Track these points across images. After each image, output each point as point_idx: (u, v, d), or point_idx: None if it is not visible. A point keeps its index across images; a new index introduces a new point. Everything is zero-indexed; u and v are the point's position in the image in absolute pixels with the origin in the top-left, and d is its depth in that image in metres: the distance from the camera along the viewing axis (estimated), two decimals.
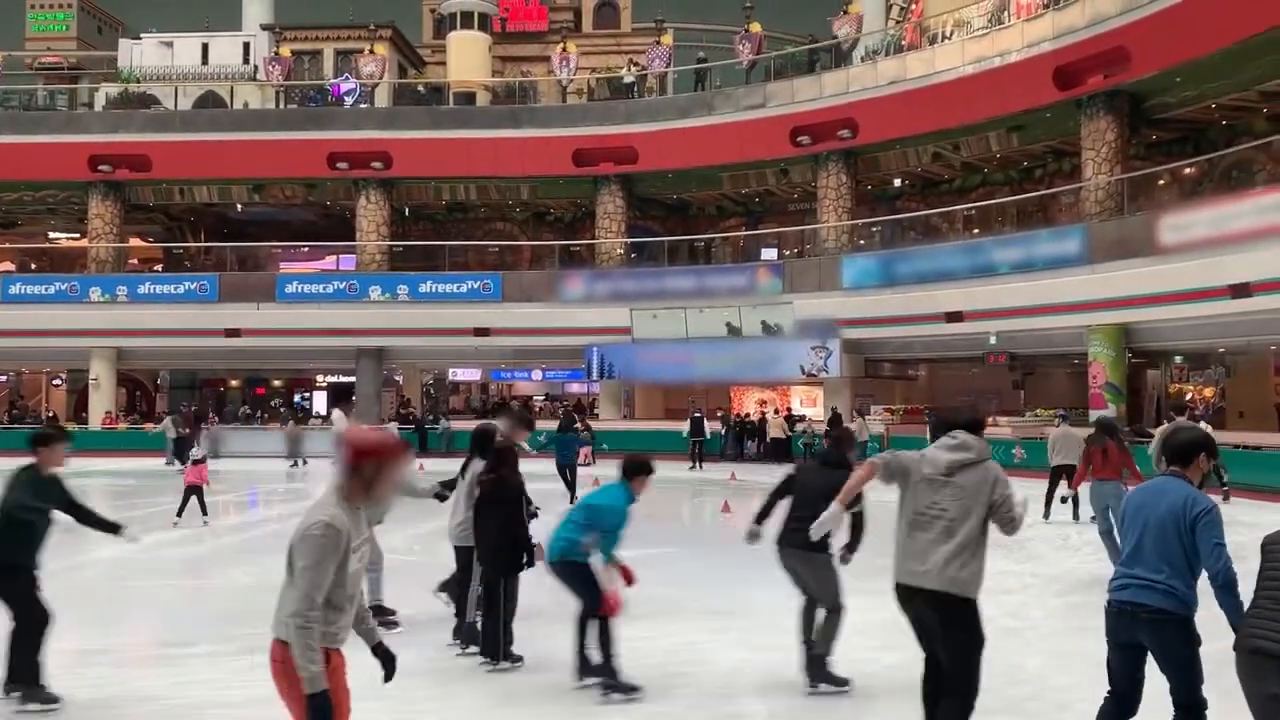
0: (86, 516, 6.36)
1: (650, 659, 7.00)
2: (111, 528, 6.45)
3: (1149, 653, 4.43)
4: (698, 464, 25.43)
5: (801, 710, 6.16)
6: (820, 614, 6.34)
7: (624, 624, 8.30)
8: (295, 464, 25.80)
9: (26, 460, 6.12)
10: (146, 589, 9.86)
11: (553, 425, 20.51)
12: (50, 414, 35.57)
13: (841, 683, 6.28)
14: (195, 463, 15.12)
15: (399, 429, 29.39)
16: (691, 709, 6.14)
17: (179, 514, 14.46)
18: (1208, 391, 27.56)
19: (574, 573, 6.31)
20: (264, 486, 21.03)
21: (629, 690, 6.18)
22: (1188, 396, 27.27)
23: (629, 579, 6.37)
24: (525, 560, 6.70)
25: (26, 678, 5.90)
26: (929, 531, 4.74)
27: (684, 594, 9.38)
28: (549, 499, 18.03)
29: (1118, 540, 11.06)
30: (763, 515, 6.62)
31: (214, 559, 12.10)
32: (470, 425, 25.04)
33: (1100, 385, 22.95)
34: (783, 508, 6.54)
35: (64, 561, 11.18)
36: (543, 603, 7.45)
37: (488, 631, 6.79)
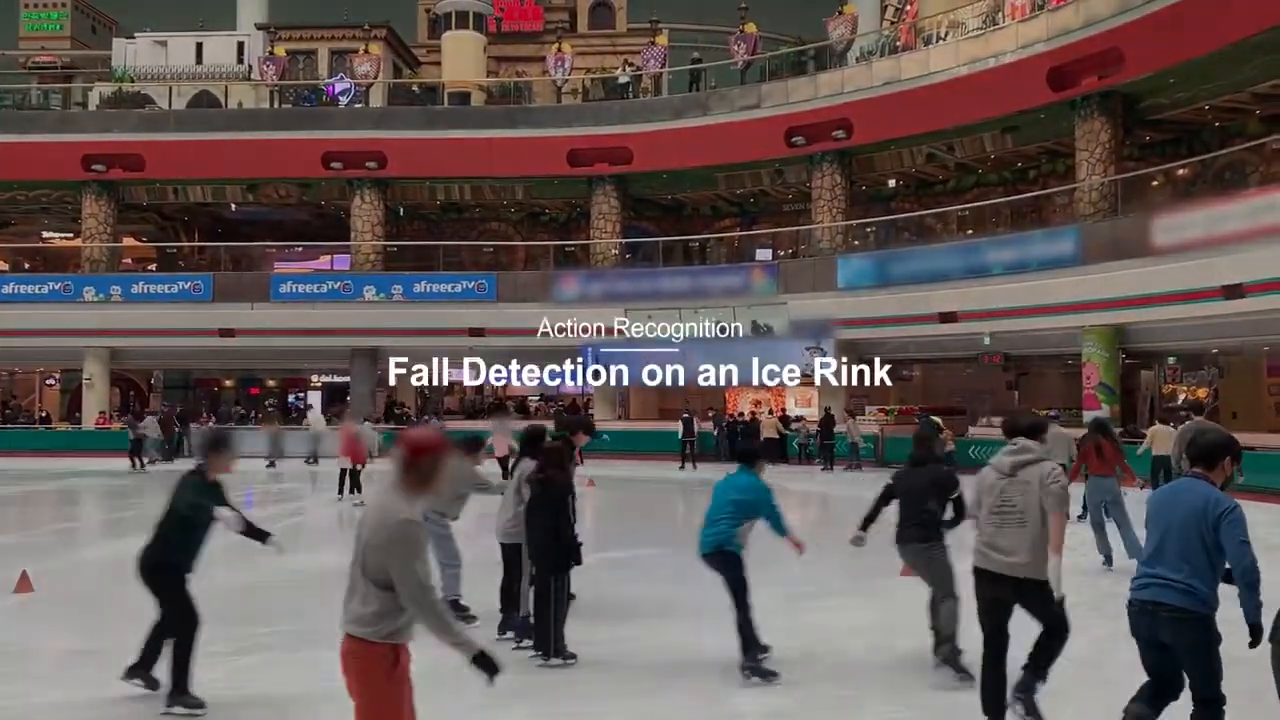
0: (243, 524, 6.51)
1: (643, 659, 7.01)
2: (260, 535, 6.64)
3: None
4: (691, 464, 25.44)
5: (796, 709, 6.18)
6: (946, 603, 6.76)
7: (618, 623, 8.33)
8: (271, 464, 25.67)
9: (194, 465, 6.31)
10: (140, 589, 9.82)
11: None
12: (44, 414, 35.51)
13: (964, 673, 6.45)
14: None
15: (379, 428, 29.43)
16: (685, 709, 6.15)
17: None
18: (1201, 392, 27.61)
19: (729, 561, 6.73)
20: (258, 487, 20.99)
21: (768, 676, 6.60)
22: (1181, 398, 27.33)
23: (801, 549, 6.91)
24: (573, 559, 6.96)
25: (179, 682, 5.97)
26: (1005, 524, 5.45)
27: (678, 594, 9.38)
28: None
29: (1108, 534, 11.22)
30: (868, 521, 6.98)
31: (208, 560, 12.03)
32: (465, 426, 25.15)
33: (1094, 386, 23.00)
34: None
35: (57, 563, 11.19)
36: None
37: (540, 628, 6.96)
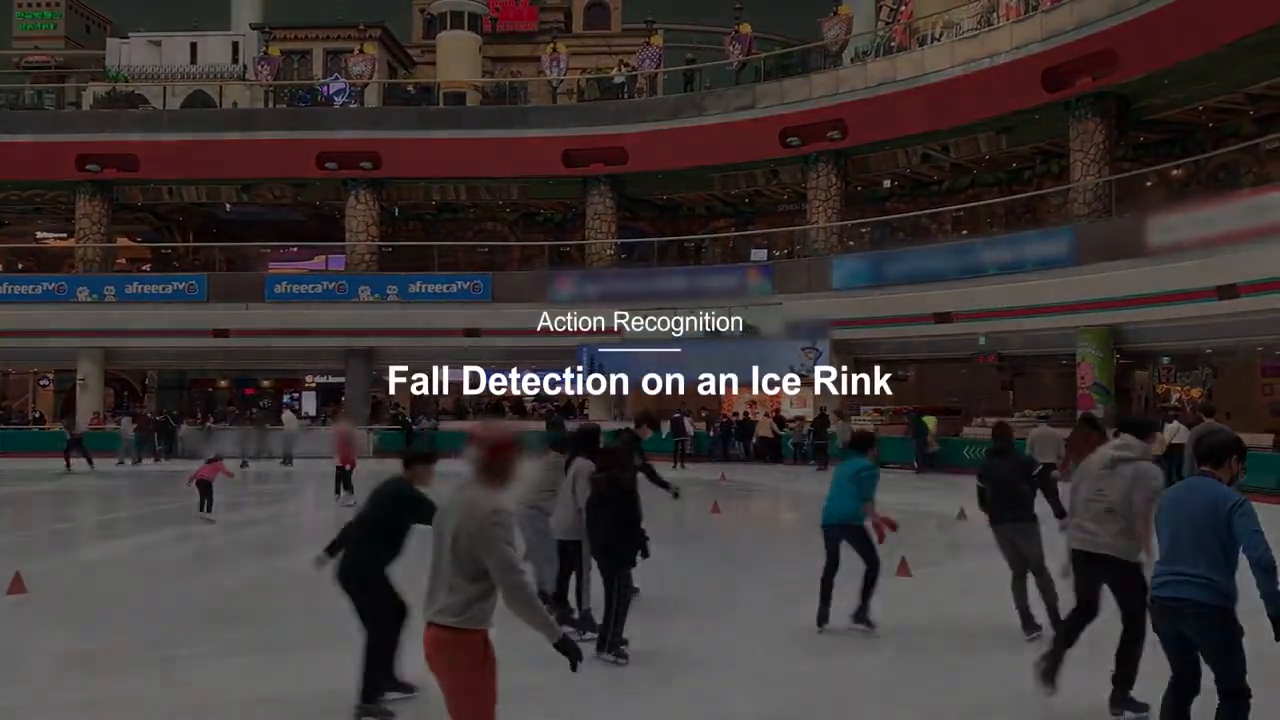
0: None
1: (640, 660, 7.00)
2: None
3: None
4: (680, 463, 25.45)
5: (793, 710, 6.18)
6: (1031, 579, 7.52)
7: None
8: (244, 464, 25.63)
9: (398, 473, 6.25)
10: (134, 590, 9.82)
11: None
12: (37, 414, 35.41)
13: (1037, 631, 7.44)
14: (210, 461, 15.33)
15: (376, 429, 29.44)
16: (682, 710, 6.15)
17: (208, 509, 14.74)
18: (1195, 392, 27.67)
19: (857, 534, 7.79)
20: (252, 487, 20.95)
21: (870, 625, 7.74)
22: (1174, 398, 27.39)
23: (894, 525, 7.86)
24: (641, 553, 7.25)
25: (375, 689, 5.90)
26: (1096, 511, 5.84)
27: (674, 594, 9.38)
28: None
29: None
30: (983, 502, 7.83)
31: (203, 560, 12.07)
32: (460, 426, 25.16)
33: (1089, 386, 23.04)
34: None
35: (52, 562, 11.16)
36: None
37: (602, 623, 7.07)
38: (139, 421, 28.41)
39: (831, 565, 7.88)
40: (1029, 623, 7.51)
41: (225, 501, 15.62)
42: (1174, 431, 17.14)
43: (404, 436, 29.04)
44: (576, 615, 7.75)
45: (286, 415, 29.07)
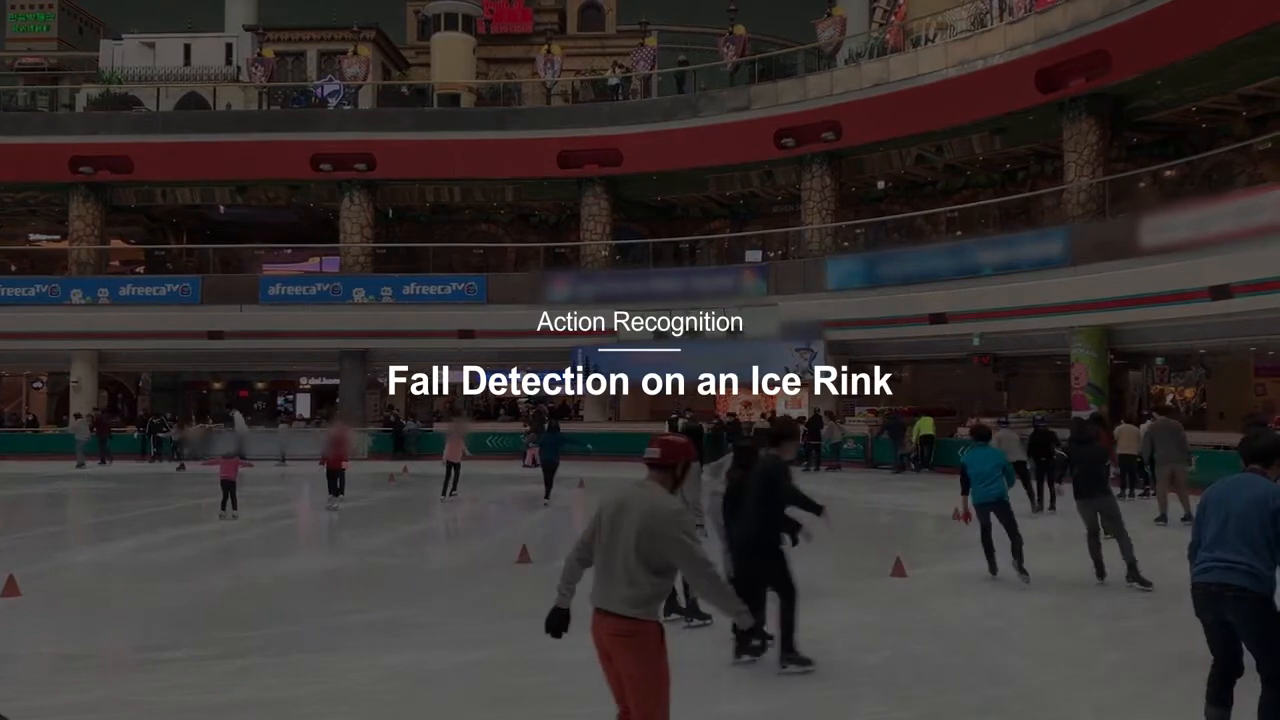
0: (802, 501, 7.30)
1: None
2: (815, 508, 7.29)
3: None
4: None
5: (787, 711, 6.17)
6: (1111, 542, 9.67)
7: None
8: (180, 466, 25.89)
9: (771, 451, 7.28)
10: (127, 592, 9.79)
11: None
12: (30, 416, 35.31)
13: (1146, 583, 9.42)
14: (226, 457, 15.61)
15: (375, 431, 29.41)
16: (679, 711, 6.13)
17: (232, 506, 15.04)
18: (1188, 392, 27.73)
19: (1004, 506, 9.82)
20: (247, 489, 20.87)
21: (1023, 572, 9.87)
22: (1169, 399, 27.45)
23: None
24: (792, 540, 7.52)
25: (791, 644, 6.74)
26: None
27: (670, 596, 9.36)
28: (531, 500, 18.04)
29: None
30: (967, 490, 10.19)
31: (195, 562, 12.02)
32: (444, 426, 25.08)
33: (1083, 386, 23.07)
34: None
35: (44, 565, 11.13)
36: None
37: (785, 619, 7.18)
38: (95, 422, 28.33)
39: (986, 530, 10.05)
40: (1100, 571, 9.69)
41: (221, 502, 15.59)
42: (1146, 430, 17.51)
43: (394, 438, 29.15)
44: (684, 604, 8.15)
45: (236, 416, 28.86)
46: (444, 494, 18.01)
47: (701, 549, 4.13)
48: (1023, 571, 9.83)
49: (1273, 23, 19.61)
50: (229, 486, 15.25)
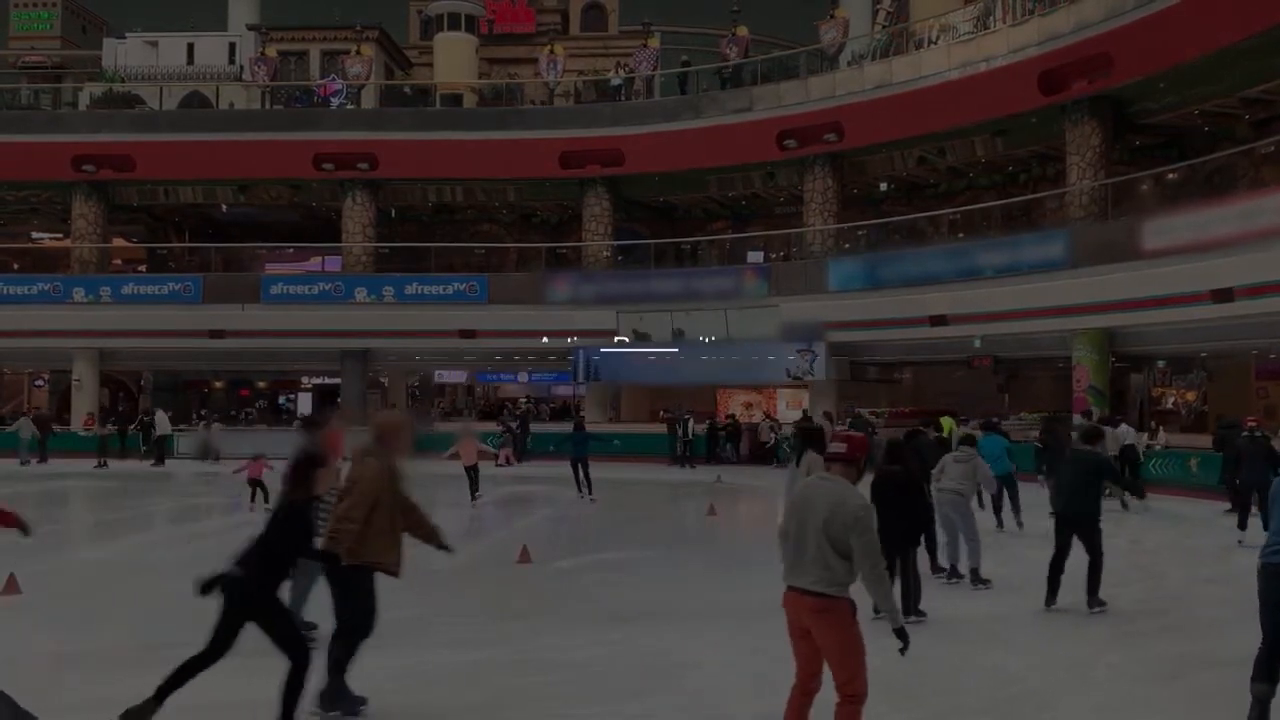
0: None
1: (636, 661, 7.00)
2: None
3: None
4: (687, 464, 25.67)
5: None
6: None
7: (609, 625, 8.32)
8: (102, 466, 26.25)
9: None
10: (131, 590, 9.80)
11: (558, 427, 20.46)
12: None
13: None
14: (254, 459, 15.85)
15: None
16: (678, 712, 6.15)
17: (264, 501, 15.15)
18: (1190, 395, 27.71)
19: (1013, 485, 11.62)
20: (246, 488, 20.88)
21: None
22: (1170, 402, 27.44)
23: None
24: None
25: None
26: None
27: (670, 597, 9.38)
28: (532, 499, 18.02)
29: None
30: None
31: (199, 560, 11.93)
32: (452, 427, 25.12)
33: (1084, 389, 23.06)
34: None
35: (47, 563, 11.13)
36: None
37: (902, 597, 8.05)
38: (38, 421, 28.31)
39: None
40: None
41: (222, 503, 15.63)
42: (1124, 434, 17.94)
43: None
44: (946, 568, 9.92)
45: (159, 415, 28.82)
46: (473, 499, 17.86)
47: (878, 543, 4.60)
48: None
49: (1275, 26, 19.59)
50: (258, 484, 15.54)
